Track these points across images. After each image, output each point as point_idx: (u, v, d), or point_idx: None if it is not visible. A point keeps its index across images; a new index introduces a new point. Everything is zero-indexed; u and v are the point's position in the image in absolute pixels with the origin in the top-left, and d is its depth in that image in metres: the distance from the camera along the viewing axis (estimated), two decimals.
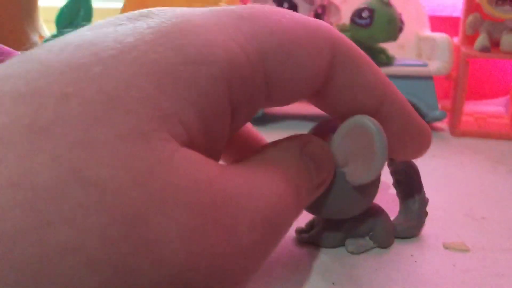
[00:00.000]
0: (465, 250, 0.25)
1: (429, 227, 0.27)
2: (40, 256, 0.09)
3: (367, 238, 0.24)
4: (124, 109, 0.11)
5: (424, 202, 0.26)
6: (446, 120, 0.48)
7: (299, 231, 0.25)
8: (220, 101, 0.13)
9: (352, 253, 0.24)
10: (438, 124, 0.48)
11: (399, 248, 0.25)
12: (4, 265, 0.09)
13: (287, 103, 0.17)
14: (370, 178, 0.19)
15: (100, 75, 0.11)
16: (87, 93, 0.10)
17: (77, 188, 0.10)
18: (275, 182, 0.15)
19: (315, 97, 0.18)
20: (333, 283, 0.22)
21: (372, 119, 0.18)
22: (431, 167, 0.37)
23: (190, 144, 0.12)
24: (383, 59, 0.46)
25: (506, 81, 0.57)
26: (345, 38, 0.17)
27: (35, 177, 0.09)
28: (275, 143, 0.18)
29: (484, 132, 0.45)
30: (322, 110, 0.19)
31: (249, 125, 0.23)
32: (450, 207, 0.30)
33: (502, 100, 0.55)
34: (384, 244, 0.24)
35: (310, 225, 0.25)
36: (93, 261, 0.10)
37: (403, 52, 0.52)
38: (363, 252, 0.24)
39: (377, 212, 0.25)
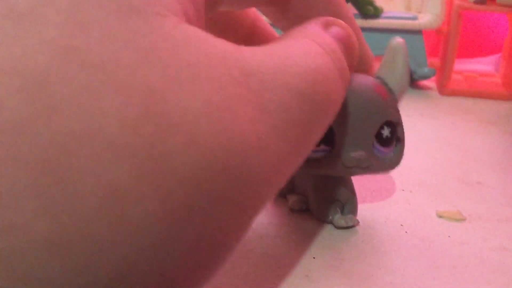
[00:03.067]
0: (461, 219, 0.22)
1: (420, 194, 0.24)
2: (48, 146, 0.08)
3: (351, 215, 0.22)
4: None
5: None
6: (433, 78, 0.45)
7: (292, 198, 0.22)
8: None
9: (339, 227, 0.21)
10: (426, 83, 0.45)
11: (388, 218, 0.22)
12: (7, 158, 0.08)
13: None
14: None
15: None
16: None
17: (80, 70, 0.09)
18: (307, 53, 0.13)
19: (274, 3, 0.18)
20: (314, 257, 0.19)
21: None
22: (420, 128, 0.34)
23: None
24: (370, 10, 0.43)
25: (497, 38, 0.54)
26: None
27: (29, 61, 0.08)
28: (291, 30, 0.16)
29: (475, 92, 0.42)
30: (271, 18, 0.19)
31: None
32: (442, 172, 0.27)
33: (491, 58, 0.52)
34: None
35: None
36: (116, 147, 0.08)
37: (391, 3, 0.48)
38: (351, 226, 0.21)
39: (353, 187, 0.22)
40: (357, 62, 0.17)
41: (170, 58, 0.10)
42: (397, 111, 0.20)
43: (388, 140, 0.20)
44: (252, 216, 0.11)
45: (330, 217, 0.21)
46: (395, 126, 0.20)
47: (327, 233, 0.21)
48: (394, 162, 0.20)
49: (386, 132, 0.20)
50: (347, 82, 0.16)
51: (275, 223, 0.22)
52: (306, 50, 0.14)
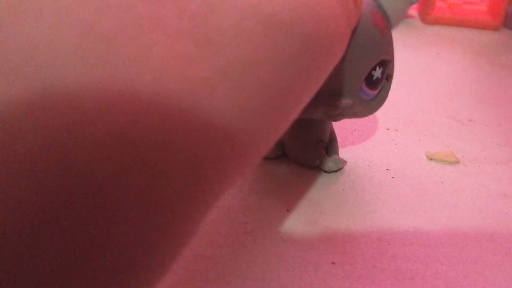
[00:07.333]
0: (454, 161, 0.19)
1: (407, 133, 0.21)
2: None
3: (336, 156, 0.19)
4: None
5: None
6: (415, 6, 0.41)
7: None
8: None
9: (330, 171, 0.18)
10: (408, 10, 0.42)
11: (372, 161, 0.19)
12: None
13: None
14: None
15: None
16: None
17: None
18: None
19: None
20: (288, 210, 0.16)
21: None
22: (403, 60, 0.31)
23: None
24: None
25: None
26: None
27: None
28: None
29: (460, 20, 0.39)
30: None
31: None
32: (430, 108, 0.24)
33: None
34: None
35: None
36: None
37: None
38: (340, 168, 0.18)
39: (331, 124, 0.19)
40: None
41: None
42: (392, 45, 0.16)
43: (377, 82, 0.16)
44: (198, 222, 0.08)
45: (318, 161, 0.18)
46: (387, 64, 0.16)
47: (302, 181, 0.18)
48: (379, 103, 0.17)
49: (377, 73, 0.16)
50: (354, 14, 0.12)
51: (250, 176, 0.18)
52: None
